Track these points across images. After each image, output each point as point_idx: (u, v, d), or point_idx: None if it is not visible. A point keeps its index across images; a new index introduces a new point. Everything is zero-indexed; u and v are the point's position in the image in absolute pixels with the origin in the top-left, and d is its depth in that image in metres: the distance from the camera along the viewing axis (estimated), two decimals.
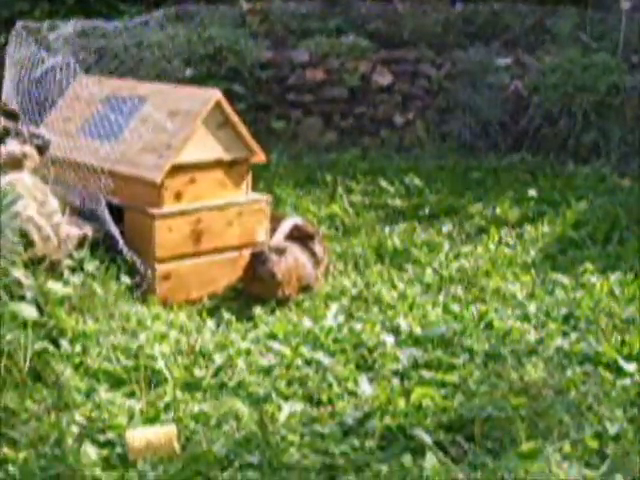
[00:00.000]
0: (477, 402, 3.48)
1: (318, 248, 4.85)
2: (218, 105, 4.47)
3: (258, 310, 4.37)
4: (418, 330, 4.13)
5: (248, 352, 3.95)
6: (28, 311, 3.39)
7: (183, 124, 4.42)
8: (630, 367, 3.82)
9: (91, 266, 4.09)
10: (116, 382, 3.67)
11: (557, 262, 5.02)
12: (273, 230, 4.77)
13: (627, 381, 3.70)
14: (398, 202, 5.78)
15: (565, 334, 4.14)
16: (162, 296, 4.38)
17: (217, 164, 4.55)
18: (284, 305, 4.47)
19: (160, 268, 4.37)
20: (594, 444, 3.22)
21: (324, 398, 3.62)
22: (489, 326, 4.21)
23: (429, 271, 4.89)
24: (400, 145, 6.76)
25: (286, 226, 4.84)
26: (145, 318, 4.16)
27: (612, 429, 3.30)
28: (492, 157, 6.48)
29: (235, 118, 4.54)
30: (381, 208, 5.78)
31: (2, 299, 3.41)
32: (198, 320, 4.28)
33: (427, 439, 3.26)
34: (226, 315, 4.31)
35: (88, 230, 4.27)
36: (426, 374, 3.74)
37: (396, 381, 3.74)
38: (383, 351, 3.94)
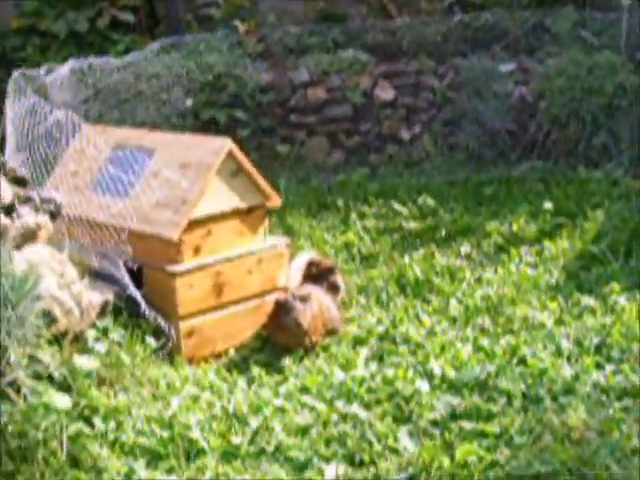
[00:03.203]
0: (522, 455, 3.44)
1: (339, 279, 4.79)
2: (230, 154, 4.39)
3: (287, 361, 4.30)
4: (452, 373, 4.07)
5: (283, 410, 3.90)
6: (62, 401, 3.32)
7: (196, 177, 4.33)
8: None
9: (116, 334, 4.02)
10: (154, 457, 3.61)
11: (581, 281, 4.95)
12: None
13: None
14: (413, 225, 5.70)
15: (599, 366, 4.08)
16: (188, 353, 4.31)
17: (233, 214, 4.47)
18: (312, 352, 4.41)
19: (183, 326, 4.29)
20: None
21: (366, 458, 3.57)
22: (522, 362, 4.15)
23: (454, 302, 4.82)
24: (408, 160, 6.67)
25: (300, 263, 4.78)
26: (174, 381, 4.10)
27: None
28: (502, 167, 6.40)
29: (248, 165, 4.46)
30: (396, 231, 5.70)
31: (34, 389, 3.35)
32: (227, 377, 4.21)
33: None
34: (255, 369, 4.24)
35: (109, 294, 4.19)
36: (466, 425, 3.68)
37: (436, 432, 3.70)
38: (419, 400, 3.89)
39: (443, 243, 5.55)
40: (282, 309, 4.37)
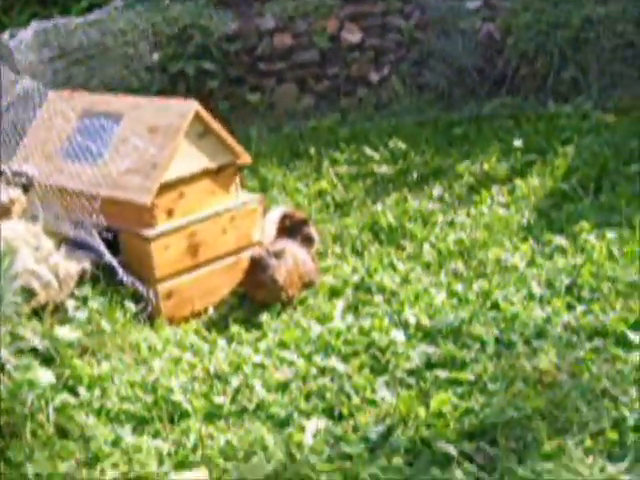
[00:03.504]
0: (495, 402, 3.54)
1: (312, 230, 4.85)
2: (197, 116, 4.40)
3: (264, 317, 4.39)
4: (426, 321, 4.16)
5: (263, 367, 3.99)
6: (45, 377, 3.40)
7: (164, 141, 4.36)
8: (638, 338, 3.87)
9: (95, 303, 4.09)
10: (139, 422, 3.70)
11: (552, 220, 5.02)
12: None
13: (637, 354, 3.76)
14: (385, 169, 5.74)
15: (570, 307, 4.17)
16: (168, 314, 4.39)
17: (203, 174, 4.51)
18: (289, 306, 4.49)
19: (161, 287, 4.36)
20: (614, 436, 3.29)
21: (345, 411, 3.67)
22: (495, 307, 4.25)
23: (427, 247, 4.89)
24: (378, 102, 6.68)
25: (274, 216, 4.83)
26: (155, 344, 4.18)
27: (630, 418, 3.36)
28: (472, 105, 6.40)
29: (215, 125, 4.49)
30: (369, 177, 5.74)
31: (17, 366, 3.42)
32: (207, 336, 4.30)
33: (452, 451, 3.32)
34: (234, 327, 4.32)
35: (86, 262, 4.24)
36: (441, 374, 3.78)
37: (413, 382, 3.80)
38: (395, 350, 3.98)
39: (415, 186, 5.60)
40: (257, 266, 4.44)
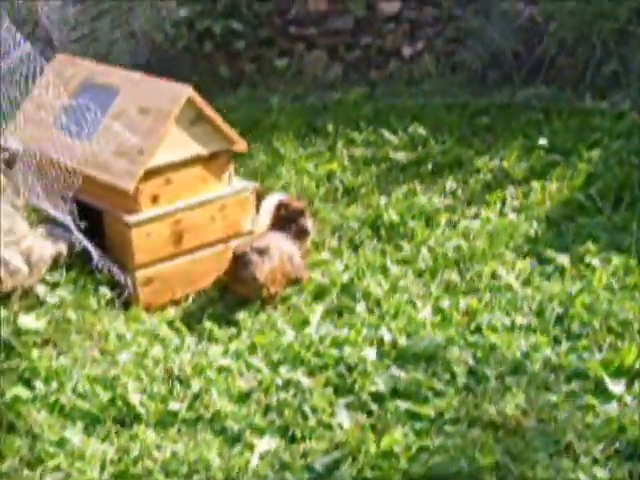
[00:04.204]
0: (450, 446, 3.39)
1: (308, 223, 4.68)
2: (189, 102, 4.24)
3: (241, 315, 4.27)
4: (402, 341, 4.00)
5: (228, 371, 3.89)
6: None
7: (154, 125, 4.21)
8: (617, 388, 3.66)
9: (64, 291, 4.01)
10: (91, 421, 3.64)
11: (561, 233, 4.76)
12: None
13: (613, 406, 3.56)
14: (401, 155, 5.51)
15: (556, 341, 3.97)
16: (146, 301, 4.30)
17: (194, 161, 4.36)
18: (270, 304, 4.36)
19: (140, 274, 4.27)
20: None
21: (298, 433, 3.56)
22: (478, 330, 4.06)
23: (424, 251, 4.68)
24: (409, 79, 6.39)
25: (270, 204, 4.68)
26: (124, 333, 4.11)
27: None
28: (505, 91, 6.08)
29: (209, 111, 4.32)
30: (383, 162, 5.50)
31: None
32: (180, 328, 4.19)
33: None
34: (207, 324, 4.21)
35: (63, 244, 4.15)
36: (403, 405, 3.63)
37: (374, 407, 3.67)
38: (364, 369, 3.84)
39: (429, 177, 5.35)
40: (239, 262, 4.31)
